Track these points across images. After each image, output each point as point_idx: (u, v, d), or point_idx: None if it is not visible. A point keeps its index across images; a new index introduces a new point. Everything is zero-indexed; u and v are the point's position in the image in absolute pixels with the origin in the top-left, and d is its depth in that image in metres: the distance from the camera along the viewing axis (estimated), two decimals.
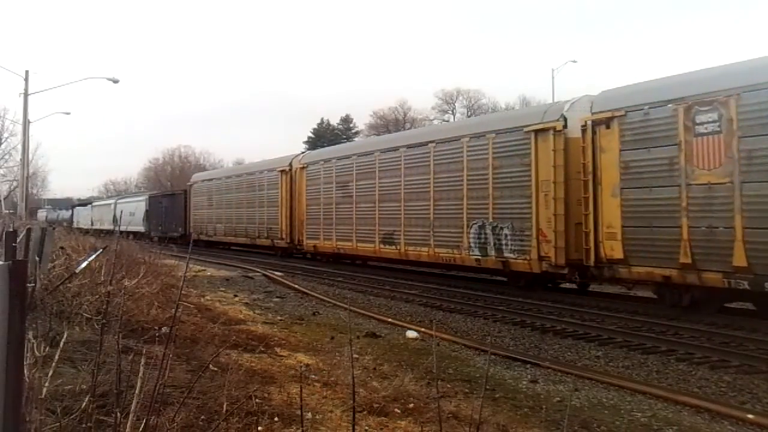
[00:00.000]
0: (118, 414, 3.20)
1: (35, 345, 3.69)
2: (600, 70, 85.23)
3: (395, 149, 20.21)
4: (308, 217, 25.08)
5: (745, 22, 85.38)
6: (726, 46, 79.65)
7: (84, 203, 70.76)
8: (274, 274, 20.06)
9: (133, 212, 48.52)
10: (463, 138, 17.14)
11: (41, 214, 75.24)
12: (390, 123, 72.74)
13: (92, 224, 57.11)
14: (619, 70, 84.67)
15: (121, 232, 45.96)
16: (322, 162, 24.52)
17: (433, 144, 18.21)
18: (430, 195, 18.18)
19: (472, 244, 16.45)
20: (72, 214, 67.60)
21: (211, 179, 37.48)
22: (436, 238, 17.77)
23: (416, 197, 18.69)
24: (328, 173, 23.78)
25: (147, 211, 46.61)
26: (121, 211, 51.62)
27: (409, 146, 19.49)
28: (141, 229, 45.39)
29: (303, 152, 30.11)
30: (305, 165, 25.80)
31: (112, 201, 58.69)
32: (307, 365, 7.51)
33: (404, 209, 19.10)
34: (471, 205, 16.62)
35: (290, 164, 27.26)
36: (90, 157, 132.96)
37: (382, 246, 20.15)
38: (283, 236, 27.32)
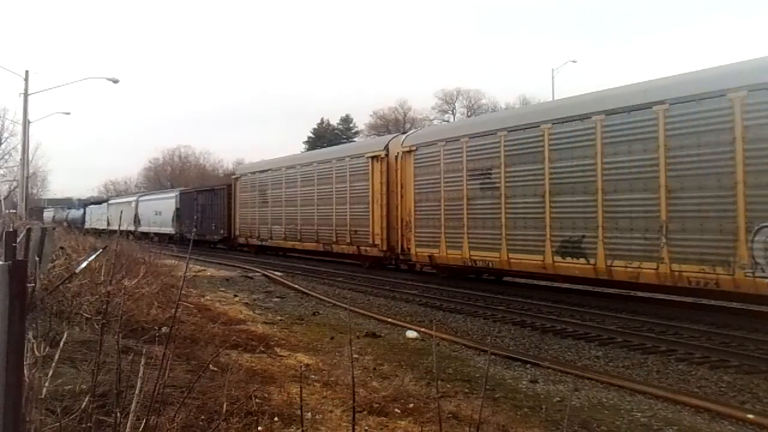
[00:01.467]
0: (118, 414, 3.20)
1: (35, 345, 3.69)
2: (600, 70, 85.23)
3: (586, 117, 13.17)
4: (418, 217, 18.33)
5: (745, 24, 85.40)
6: (726, 46, 79.68)
7: (98, 201, 65.12)
8: (274, 274, 20.06)
9: (160, 211, 43.42)
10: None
11: (47, 214, 71.21)
12: (390, 123, 72.76)
13: (108, 224, 52.20)
14: (619, 70, 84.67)
15: (144, 235, 42.35)
16: (443, 142, 17.53)
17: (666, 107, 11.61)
18: (659, 181, 11.65)
19: (761, 260, 10.20)
20: (84, 214, 62.66)
21: (264, 170, 29.73)
22: (673, 249, 11.39)
23: (629, 186, 12.21)
24: (454, 157, 16.98)
25: (177, 209, 40.59)
26: (144, 211, 46.98)
27: (629, 109, 12.32)
28: (170, 230, 40.85)
29: (405, 133, 22.13)
30: (412, 147, 18.81)
31: (132, 198, 53.21)
32: (307, 365, 7.51)
33: (603, 203, 12.68)
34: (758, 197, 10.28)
35: (386, 148, 20.80)
36: (90, 157, 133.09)
37: (558, 258, 13.72)
38: (376, 242, 20.83)
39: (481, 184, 16.05)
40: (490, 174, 15.78)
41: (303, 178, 26.11)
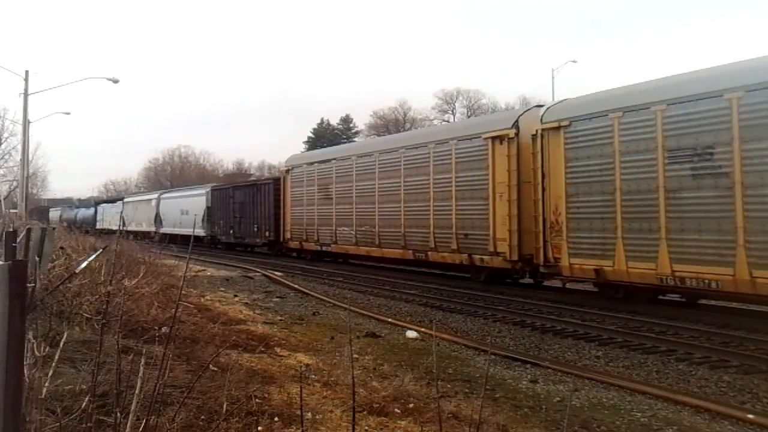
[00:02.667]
0: (118, 414, 3.20)
1: (35, 345, 3.69)
2: (600, 70, 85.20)
3: None
4: (574, 216, 13.65)
5: (746, 24, 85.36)
6: (725, 47, 79.67)
7: (112, 199, 60.43)
8: (274, 274, 20.06)
9: (187, 210, 38.70)
10: None
11: (53, 214, 66.40)
12: (390, 123, 72.76)
13: (124, 225, 46.64)
14: (619, 70, 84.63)
15: (167, 237, 39.45)
16: (619, 113, 12.66)
17: None
18: None
19: None
20: (95, 214, 57.13)
21: (326, 160, 24.35)
22: None
23: None
24: (639, 132, 12.29)
25: (208, 208, 35.98)
26: (168, 209, 42.09)
27: None
28: (199, 232, 36.70)
29: (540, 105, 16.17)
30: (563, 123, 13.96)
31: (153, 196, 47.24)
32: (307, 365, 7.51)
33: None
34: None
35: (515, 125, 15.65)
36: (90, 157, 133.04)
37: None
38: (500, 249, 15.69)
39: (692, 168, 11.38)
40: (711, 154, 11.09)
41: (384, 168, 20.36)
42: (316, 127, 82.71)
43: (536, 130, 14.63)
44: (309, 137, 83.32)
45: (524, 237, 15.25)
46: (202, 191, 37.74)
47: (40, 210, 66.42)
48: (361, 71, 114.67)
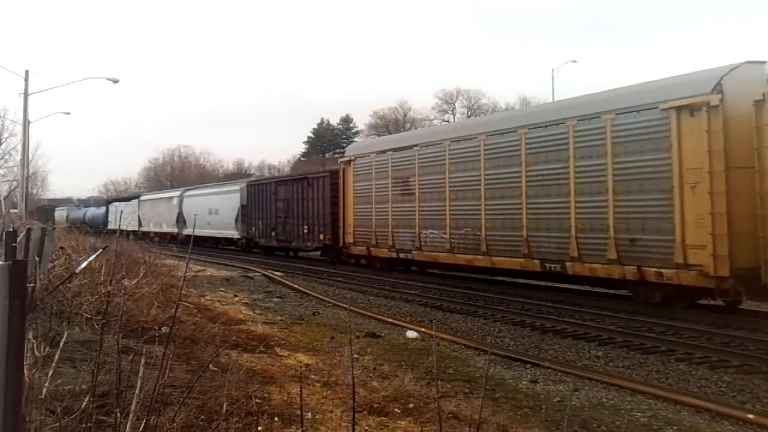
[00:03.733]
0: (118, 414, 3.20)
1: (35, 345, 3.69)
2: (600, 70, 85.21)
3: None
4: None
5: (744, 26, 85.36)
6: (726, 47, 79.70)
7: (125, 198, 56.26)
8: (274, 274, 20.06)
9: (216, 209, 34.53)
10: None
11: (59, 214, 62.82)
12: (390, 123, 72.78)
13: (140, 226, 44.33)
14: (620, 70, 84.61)
15: (191, 240, 35.71)
16: None
17: None
18: None
19: None
20: (107, 213, 52.53)
21: (406, 146, 19.46)
22: None
23: None
24: None
25: (243, 207, 31.56)
26: (193, 208, 37.20)
27: None
28: (232, 234, 32.66)
29: (753, 62, 11.67)
30: None
31: (175, 194, 42.36)
32: (307, 365, 7.52)
33: None
34: None
35: (718, 88, 11.29)
36: (90, 157, 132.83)
37: None
38: (695, 260, 11.36)
39: None
40: None
41: (493, 154, 15.80)
42: (316, 127, 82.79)
43: (763, 94, 10.57)
44: (309, 137, 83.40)
45: (737, 244, 10.90)
46: (236, 187, 33.17)
47: (44, 210, 64.24)
48: (362, 71, 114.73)
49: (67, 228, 35.00)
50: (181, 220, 39.18)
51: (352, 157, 22.35)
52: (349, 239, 21.97)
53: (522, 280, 16.74)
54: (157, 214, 43.32)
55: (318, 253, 26.19)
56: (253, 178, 38.85)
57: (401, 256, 19.39)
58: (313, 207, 24.95)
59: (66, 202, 77.17)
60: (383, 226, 20.10)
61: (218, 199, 34.93)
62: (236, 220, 32.22)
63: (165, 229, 40.51)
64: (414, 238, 18.65)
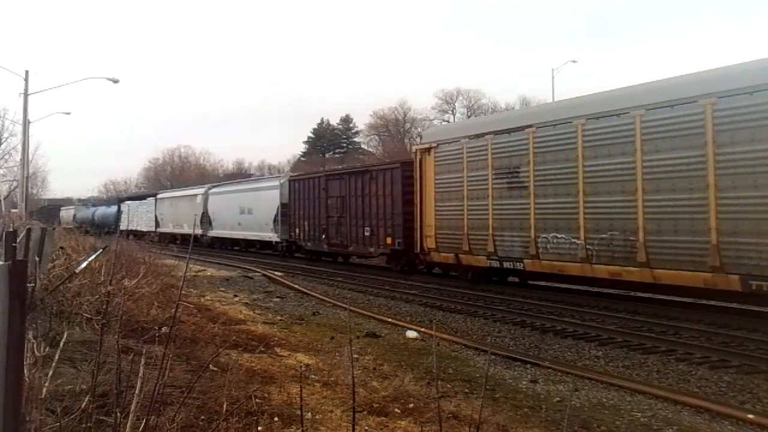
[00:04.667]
0: (118, 414, 3.20)
1: (35, 345, 3.69)
2: (600, 71, 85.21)
3: None
4: None
5: (743, 27, 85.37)
6: (726, 48, 79.71)
7: (141, 196, 51.87)
8: (274, 274, 20.06)
9: (250, 208, 30.31)
10: None
11: (65, 214, 60.71)
12: (390, 123, 72.79)
13: (157, 226, 41.48)
14: (619, 71, 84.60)
15: (218, 241, 33.63)
16: None
17: None
18: None
19: None
20: (118, 213, 49.38)
21: (514, 128, 15.12)
22: None
23: None
24: None
25: (284, 205, 27.16)
26: (221, 207, 33.93)
27: None
28: (269, 236, 28.39)
29: None
30: None
31: (199, 191, 38.16)
32: (307, 365, 7.52)
33: None
34: None
35: None
36: (90, 157, 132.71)
37: None
38: None
39: None
40: None
41: (657, 134, 11.83)
42: (316, 127, 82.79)
43: None
44: (309, 137, 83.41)
45: None
46: (275, 183, 28.89)
47: (48, 209, 62.16)
48: (361, 71, 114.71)
49: (75, 229, 34.31)
50: (206, 220, 35.25)
51: (433, 144, 17.69)
52: (429, 244, 17.62)
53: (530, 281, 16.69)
54: (177, 213, 39.06)
55: (377, 259, 22.17)
56: (296, 173, 32.43)
57: (506, 265, 15.22)
58: (378, 205, 20.58)
59: (66, 202, 76.84)
60: (479, 229, 15.84)
61: (252, 196, 30.27)
62: (275, 220, 27.66)
63: (186, 229, 37.07)
64: (527, 243, 14.41)
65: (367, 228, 21.18)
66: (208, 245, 34.29)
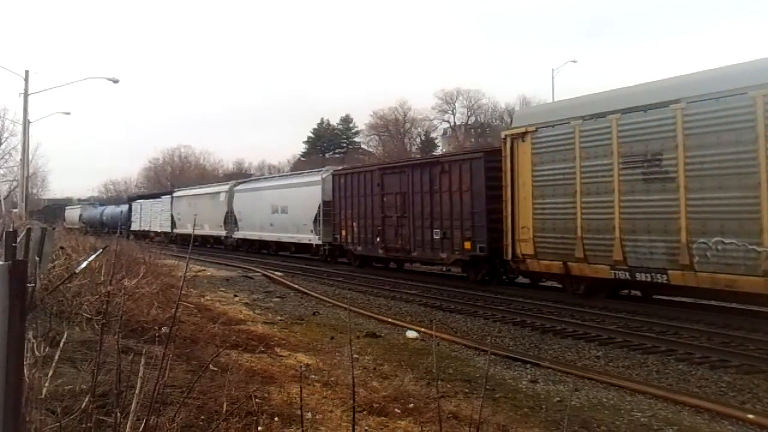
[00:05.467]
0: (118, 414, 3.20)
1: (35, 345, 3.69)
2: (600, 71, 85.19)
3: None
4: None
5: (742, 27, 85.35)
6: (723, 49, 79.71)
7: (154, 194, 48.35)
8: (274, 274, 20.06)
9: (284, 206, 27.08)
10: None
11: (71, 213, 58.29)
12: (390, 123, 72.78)
13: (173, 227, 38.79)
14: (619, 71, 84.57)
15: (245, 244, 30.32)
16: None
17: None
18: None
19: None
20: (129, 212, 46.75)
21: (644, 106, 12.16)
22: None
23: None
24: None
25: (326, 203, 24.18)
26: (249, 206, 30.53)
27: None
28: (309, 238, 24.98)
29: None
30: None
31: (222, 188, 34.82)
32: (307, 365, 7.52)
33: None
34: None
35: None
36: (90, 157, 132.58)
37: None
38: None
39: None
40: None
41: None
42: (316, 127, 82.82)
43: None
44: (309, 137, 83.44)
45: None
46: (316, 178, 25.34)
47: (51, 209, 60.88)
48: (362, 71, 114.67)
49: (82, 230, 32.44)
50: (230, 220, 32.29)
51: (530, 128, 14.71)
52: (525, 249, 14.62)
53: (523, 280, 16.69)
54: (197, 212, 35.30)
55: (447, 266, 19.26)
56: (340, 167, 29.11)
57: (641, 277, 12.25)
58: (453, 203, 17.32)
59: (66, 202, 76.65)
60: (600, 231, 12.87)
61: (288, 193, 27.01)
62: (315, 220, 24.41)
63: (208, 231, 34.57)
64: (674, 249, 11.51)
65: (437, 230, 17.89)
66: (234, 248, 31.75)
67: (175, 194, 41.39)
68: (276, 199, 27.98)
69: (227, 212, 32.68)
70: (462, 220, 17.02)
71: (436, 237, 17.97)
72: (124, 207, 49.64)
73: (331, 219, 23.54)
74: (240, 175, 62.28)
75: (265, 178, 36.02)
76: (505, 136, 15.49)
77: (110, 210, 52.12)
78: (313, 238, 24.91)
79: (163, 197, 43.12)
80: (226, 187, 34.26)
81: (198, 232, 36.11)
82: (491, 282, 16.56)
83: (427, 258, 18.98)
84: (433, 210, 18.21)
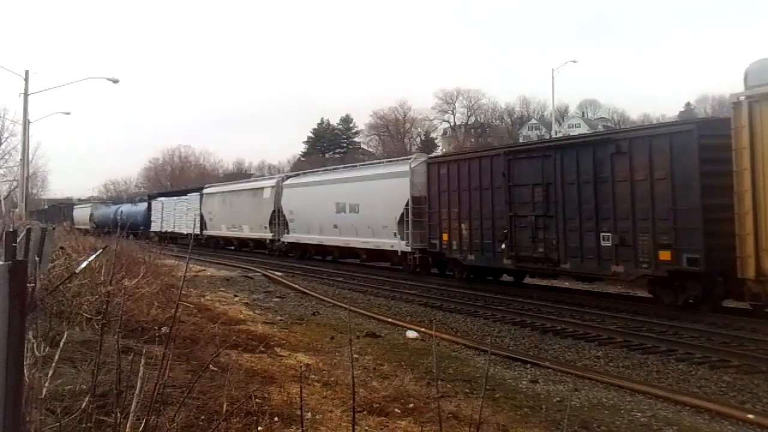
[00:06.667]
0: (118, 414, 3.20)
1: (35, 345, 3.69)
2: (599, 70, 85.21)
3: None
4: None
5: (742, 28, 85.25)
6: (724, 49, 79.68)
7: (179, 191, 43.88)
8: (274, 274, 20.05)
9: (355, 204, 22.04)
10: None
11: (80, 213, 54.92)
12: (390, 123, 72.79)
13: (204, 227, 34.71)
14: (619, 71, 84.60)
15: (297, 249, 25.74)
16: None
17: None
18: None
19: None
20: (148, 211, 42.75)
21: None
22: None
23: None
24: None
25: (416, 199, 19.08)
26: (303, 203, 25.53)
27: None
28: (390, 244, 19.96)
29: None
30: None
31: (268, 183, 30.06)
32: (307, 365, 7.52)
33: None
34: None
35: None
36: (90, 157, 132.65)
37: None
38: None
39: None
40: None
41: None
42: (316, 127, 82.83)
43: None
44: (309, 137, 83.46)
45: None
46: (402, 168, 20.05)
47: (58, 208, 59.19)
48: (362, 72, 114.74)
49: (93, 230, 29.63)
50: (278, 220, 27.42)
51: None
52: None
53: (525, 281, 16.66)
54: (234, 211, 31.22)
55: (621, 284, 15.32)
56: (441, 153, 24.13)
57: None
58: (635, 196, 12.68)
59: (66, 202, 76.43)
60: None
61: (361, 188, 22.03)
62: (400, 221, 19.33)
63: (248, 233, 30.10)
64: None
65: (607, 234, 13.14)
66: (282, 253, 27.27)
67: (205, 191, 36.54)
68: (343, 195, 23.01)
69: (273, 211, 27.65)
70: (653, 220, 12.29)
71: (606, 243, 13.18)
72: (143, 206, 45.42)
73: (426, 219, 18.64)
74: (240, 176, 61.14)
75: (326, 171, 28.99)
76: (743, 98, 10.46)
77: (126, 209, 46.95)
78: (397, 244, 19.55)
79: (189, 194, 38.43)
80: (272, 182, 29.43)
81: (235, 234, 31.63)
82: (700, 308, 11.89)
83: (589, 272, 14.14)
84: (599, 206, 13.38)
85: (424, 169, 19.04)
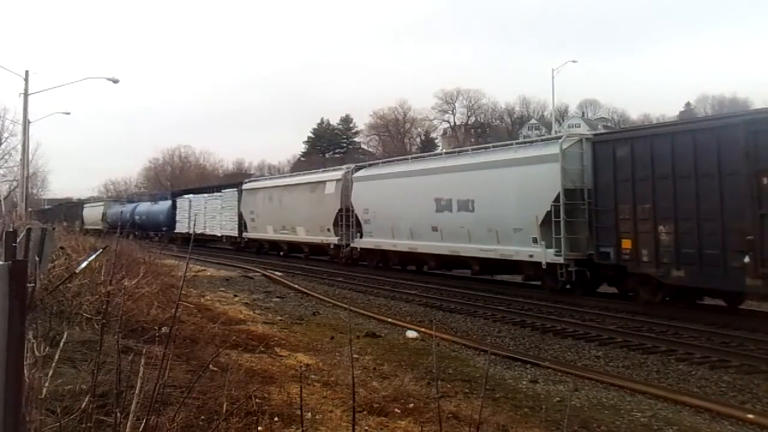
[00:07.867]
0: (118, 414, 3.20)
1: (35, 345, 3.69)
2: (599, 70, 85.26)
3: None
4: None
5: (741, 30, 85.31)
6: (724, 50, 79.68)
7: (211, 187, 38.75)
8: (274, 274, 20.05)
9: (468, 200, 16.82)
10: None
11: (91, 212, 50.90)
12: (390, 123, 72.82)
13: (244, 228, 29.89)
14: (618, 71, 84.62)
15: (376, 256, 20.50)
16: None
17: None
18: None
19: None
20: (172, 210, 37.83)
21: None
22: None
23: None
24: None
25: (568, 192, 13.93)
26: (381, 200, 20.02)
27: None
28: (525, 252, 14.82)
29: None
30: None
31: (332, 176, 24.48)
32: (307, 365, 7.52)
33: None
34: None
35: None
36: (90, 157, 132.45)
37: None
38: None
39: None
40: None
41: None
42: (316, 127, 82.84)
43: None
44: (309, 137, 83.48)
45: None
46: (548, 151, 14.90)
47: (67, 208, 56.87)
48: (362, 72, 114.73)
49: (106, 230, 27.35)
50: (346, 221, 22.30)
51: None
52: None
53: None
54: (284, 210, 26.31)
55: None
56: (614, 128, 17.59)
57: None
58: None
59: (67, 202, 76.18)
60: None
61: (475, 178, 16.81)
62: (543, 223, 14.35)
63: (304, 236, 24.89)
64: None
65: None
66: (352, 262, 22.34)
67: (245, 186, 31.21)
68: (447, 189, 17.65)
69: (340, 210, 22.52)
70: None
71: None
72: (165, 204, 39.76)
73: (587, 220, 13.92)
74: (240, 176, 59.97)
75: (415, 159, 22.81)
76: None
77: (145, 208, 41.40)
78: (539, 253, 14.45)
79: (225, 190, 33.34)
80: (338, 174, 23.80)
81: (286, 237, 26.50)
82: None
83: None
84: None
85: (582, 150, 14.19)
